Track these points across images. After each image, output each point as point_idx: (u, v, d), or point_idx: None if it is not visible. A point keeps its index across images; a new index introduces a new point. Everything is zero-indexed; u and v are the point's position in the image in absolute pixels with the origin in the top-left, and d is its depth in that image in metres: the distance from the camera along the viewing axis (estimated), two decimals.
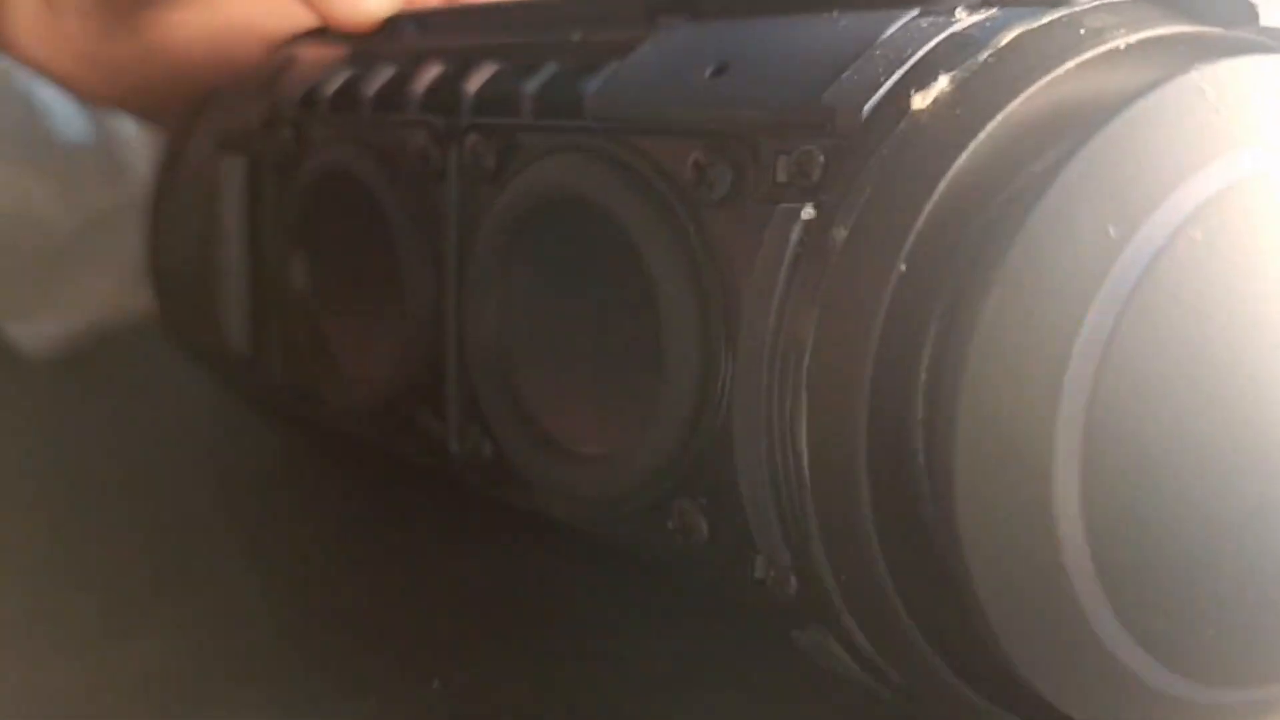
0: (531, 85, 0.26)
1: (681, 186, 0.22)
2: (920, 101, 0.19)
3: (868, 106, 0.19)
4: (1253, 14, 0.19)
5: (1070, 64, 0.18)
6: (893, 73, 0.19)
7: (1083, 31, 0.18)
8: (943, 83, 0.19)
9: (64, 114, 0.51)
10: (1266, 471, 0.17)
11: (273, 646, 0.28)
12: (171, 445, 0.41)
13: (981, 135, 0.18)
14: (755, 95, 0.21)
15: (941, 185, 0.18)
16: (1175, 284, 0.17)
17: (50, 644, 0.28)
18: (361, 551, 0.33)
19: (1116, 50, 0.18)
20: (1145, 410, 0.17)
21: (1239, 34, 0.19)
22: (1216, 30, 0.19)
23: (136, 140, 0.51)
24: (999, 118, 0.18)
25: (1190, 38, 0.19)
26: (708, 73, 0.22)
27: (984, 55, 0.19)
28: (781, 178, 0.20)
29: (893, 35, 0.20)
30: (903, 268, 0.18)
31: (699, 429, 0.21)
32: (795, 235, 0.19)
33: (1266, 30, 0.19)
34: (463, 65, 0.29)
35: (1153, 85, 0.16)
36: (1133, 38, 0.18)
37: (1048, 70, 0.18)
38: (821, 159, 0.19)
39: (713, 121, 0.21)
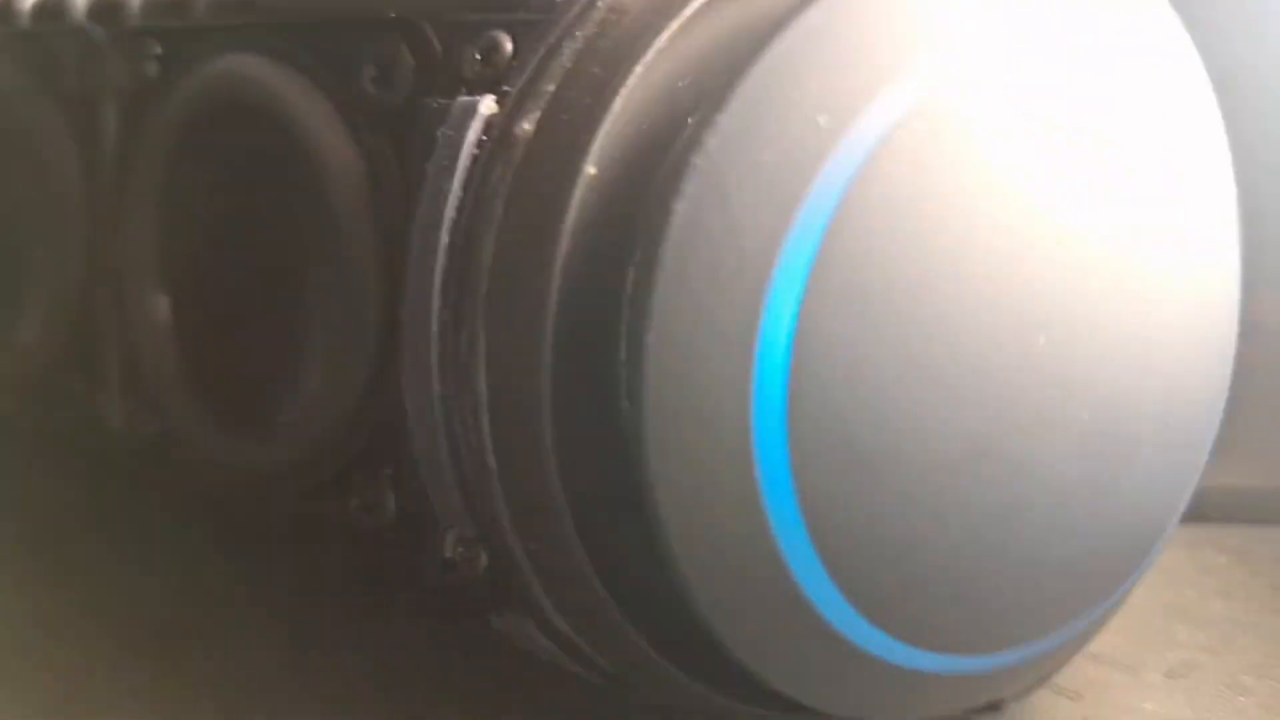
0: None
1: (362, 88, 0.18)
2: None
3: None
4: None
5: None
6: None
7: None
8: None
9: None
10: (993, 408, 0.15)
11: None
12: None
13: (686, 14, 0.15)
14: None
15: (638, 70, 0.15)
16: (895, 183, 0.14)
17: None
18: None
19: None
20: (857, 330, 0.14)
21: None
22: None
23: None
24: None
25: None
26: None
27: None
28: (467, 71, 0.17)
29: None
30: (592, 170, 0.15)
31: (382, 385, 0.18)
32: (472, 134, 0.16)
33: None
34: None
35: None
36: None
37: None
38: (509, 45, 0.16)
39: (394, 7, 0.18)
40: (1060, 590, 0.17)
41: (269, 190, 0.20)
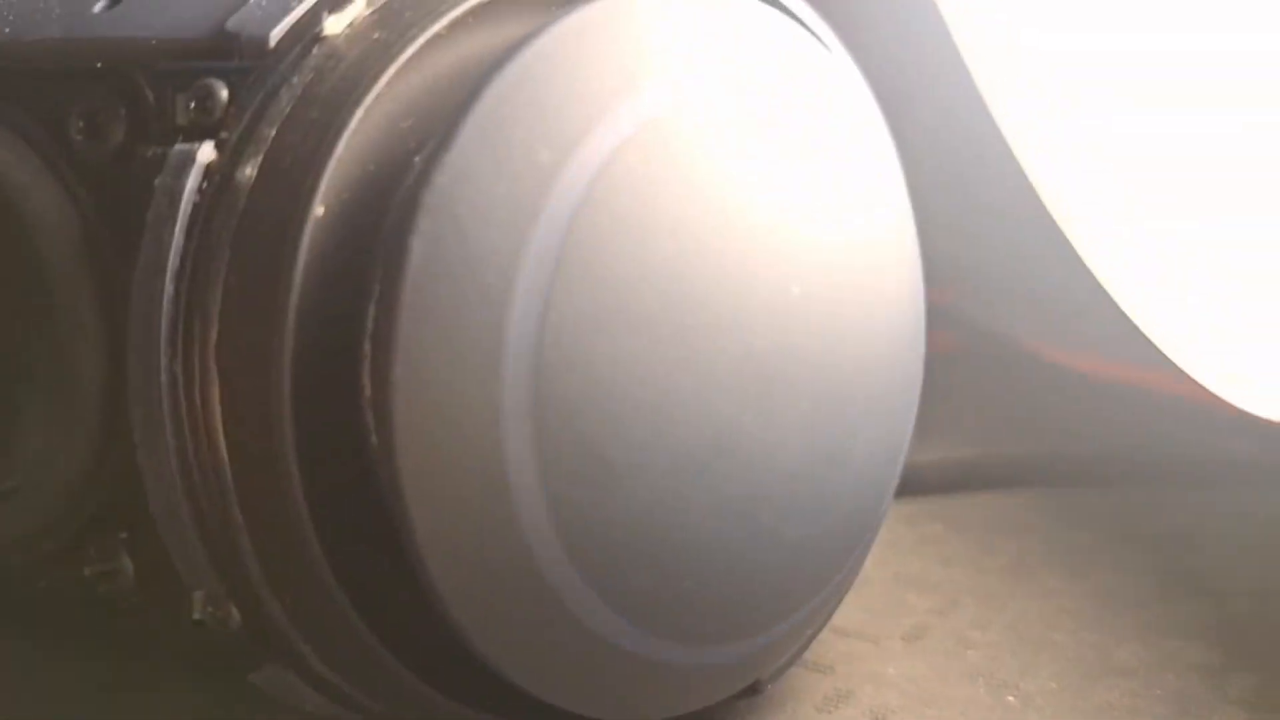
0: None
1: (70, 141, 0.17)
2: (335, 25, 0.16)
3: (275, 31, 0.16)
4: None
5: None
6: None
7: None
8: (359, 5, 0.16)
9: None
10: (726, 408, 0.17)
11: None
12: None
13: (402, 59, 0.16)
14: (150, 25, 0.17)
15: (359, 113, 0.15)
16: (617, 206, 0.15)
17: None
18: None
19: None
20: (597, 348, 0.15)
21: None
22: None
23: None
24: (421, 40, 0.16)
25: None
26: (99, 6, 0.18)
27: None
28: (181, 119, 0.16)
29: None
30: (320, 210, 0.15)
31: (110, 446, 0.17)
32: (191, 181, 0.15)
33: None
34: None
35: (563, 15, 0.15)
36: None
37: None
38: (224, 93, 0.16)
39: (102, 58, 0.17)
40: (801, 570, 0.18)
41: None
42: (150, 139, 0.17)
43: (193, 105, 0.16)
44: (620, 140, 0.15)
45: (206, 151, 0.16)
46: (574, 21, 0.16)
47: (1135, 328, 0.26)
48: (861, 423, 0.18)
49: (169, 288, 0.15)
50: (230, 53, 0.16)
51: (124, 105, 0.17)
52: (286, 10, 0.16)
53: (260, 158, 0.15)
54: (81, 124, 0.17)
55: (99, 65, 0.17)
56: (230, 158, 0.16)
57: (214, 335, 0.15)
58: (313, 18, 0.16)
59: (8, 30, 0.19)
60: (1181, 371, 0.25)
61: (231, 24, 0.16)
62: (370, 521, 0.15)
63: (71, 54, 0.18)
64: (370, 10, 0.16)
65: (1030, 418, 0.34)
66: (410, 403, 0.14)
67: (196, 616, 0.17)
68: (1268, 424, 0.24)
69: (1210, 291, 0.24)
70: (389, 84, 0.15)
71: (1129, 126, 0.25)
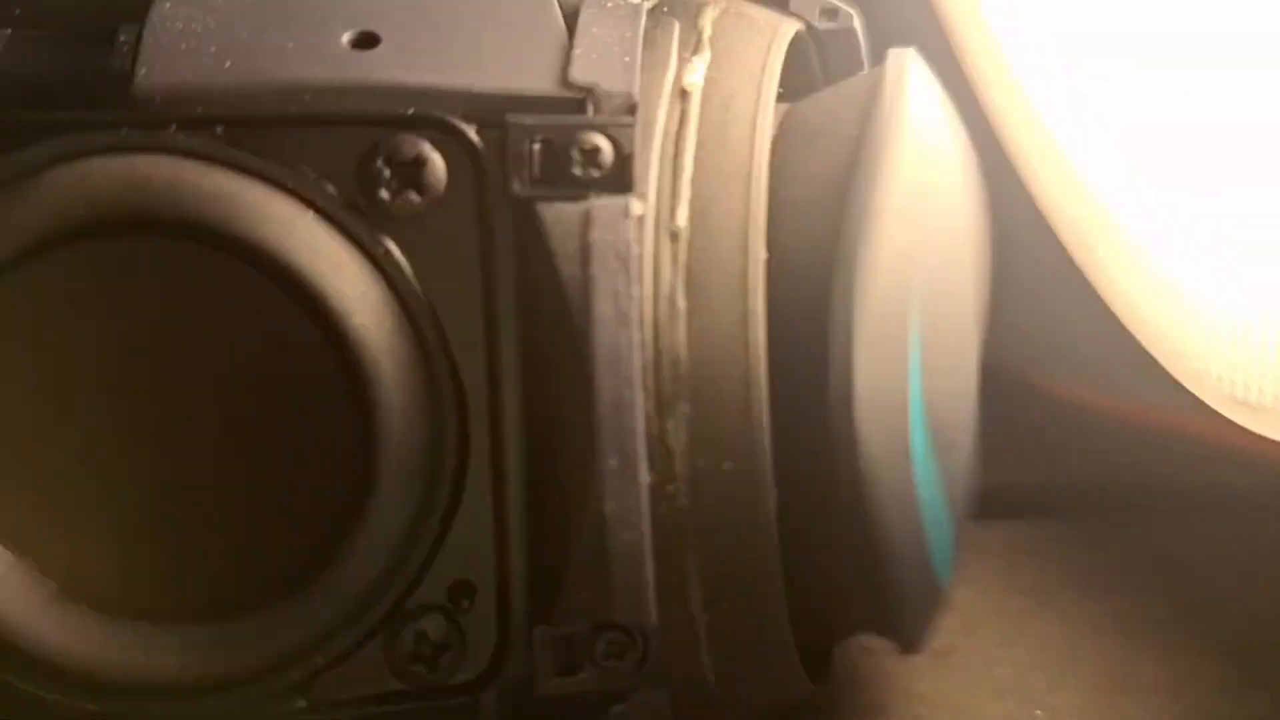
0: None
1: (367, 195, 0.16)
2: (692, 77, 0.17)
3: (637, 87, 0.16)
4: None
5: None
6: (634, 48, 0.17)
7: None
8: (705, 57, 0.17)
9: None
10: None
11: None
12: None
13: (767, 107, 0.17)
14: (441, 71, 0.16)
15: (764, 159, 0.16)
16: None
17: None
18: None
19: None
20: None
21: None
22: None
23: None
24: (771, 89, 0.17)
25: None
26: (346, 40, 0.17)
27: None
28: (577, 170, 0.16)
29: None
30: (764, 254, 0.16)
31: (424, 523, 0.16)
32: (631, 233, 0.15)
33: None
34: None
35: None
36: None
37: None
38: (608, 145, 0.16)
39: (413, 105, 0.16)
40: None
41: (230, 326, 0.16)
42: (492, 190, 0.16)
43: (577, 157, 0.16)
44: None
45: (637, 205, 0.16)
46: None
47: (1148, 367, 0.27)
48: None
49: (636, 336, 0.15)
50: (589, 106, 0.16)
51: (445, 156, 0.16)
52: (631, 63, 0.16)
53: (686, 208, 0.16)
54: (367, 176, 0.16)
55: (410, 113, 0.16)
56: (659, 209, 0.16)
57: (684, 374, 0.15)
58: (662, 69, 0.17)
59: (229, 65, 0.17)
60: (1192, 408, 0.26)
61: (579, 77, 0.16)
62: (844, 549, 0.16)
63: (355, 100, 0.16)
64: (706, 64, 0.17)
65: (1047, 451, 0.33)
66: (869, 417, 0.15)
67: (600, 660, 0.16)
68: (1272, 459, 0.25)
69: (1215, 260, 0.25)
70: (778, 116, 0.17)
71: (1135, 93, 0.25)
